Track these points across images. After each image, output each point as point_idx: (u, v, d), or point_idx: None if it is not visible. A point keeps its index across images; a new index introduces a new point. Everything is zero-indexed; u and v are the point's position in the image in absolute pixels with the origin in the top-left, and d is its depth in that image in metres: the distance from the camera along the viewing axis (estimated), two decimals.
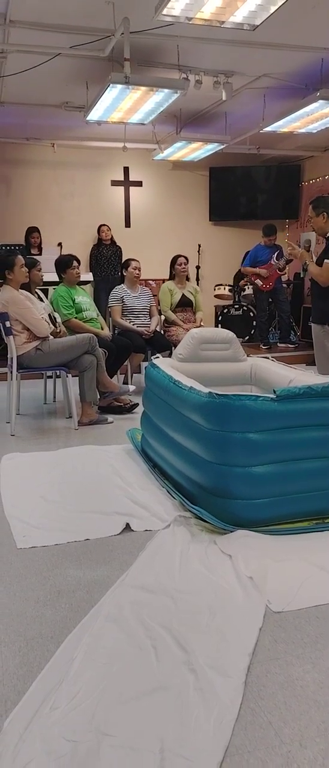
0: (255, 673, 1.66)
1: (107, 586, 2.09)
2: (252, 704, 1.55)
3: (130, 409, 4.71)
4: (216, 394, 2.51)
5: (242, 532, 2.40)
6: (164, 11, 3.38)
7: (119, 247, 7.94)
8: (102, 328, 4.99)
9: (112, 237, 7.92)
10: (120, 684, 1.61)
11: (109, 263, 7.84)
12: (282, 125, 5.80)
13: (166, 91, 4.64)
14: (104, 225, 7.92)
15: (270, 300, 7.48)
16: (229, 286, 8.17)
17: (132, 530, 2.56)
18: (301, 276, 6.78)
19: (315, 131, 6.03)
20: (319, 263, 4.14)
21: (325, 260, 4.05)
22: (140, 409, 3.86)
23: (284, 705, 1.54)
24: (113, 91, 4.59)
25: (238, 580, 2.10)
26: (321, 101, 5.01)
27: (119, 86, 4.45)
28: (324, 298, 4.12)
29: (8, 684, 1.64)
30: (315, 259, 4.36)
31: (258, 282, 7.34)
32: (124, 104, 4.96)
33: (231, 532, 2.42)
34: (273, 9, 3.38)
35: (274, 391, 2.50)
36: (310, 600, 1.99)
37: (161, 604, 1.97)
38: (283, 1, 3.29)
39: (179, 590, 2.05)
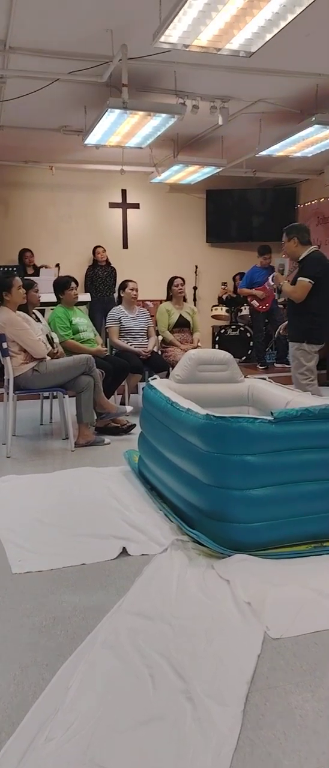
0: (254, 702, 1.63)
1: (104, 612, 2.07)
2: (250, 734, 1.52)
3: (127, 430, 4.70)
4: (214, 416, 2.51)
5: (240, 556, 2.38)
6: (162, 38, 3.43)
7: (114, 269, 8.00)
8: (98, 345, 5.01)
9: (107, 258, 7.99)
10: (116, 713, 1.58)
11: (104, 284, 7.89)
12: (278, 149, 5.88)
13: (163, 115, 4.70)
14: (99, 246, 7.99)
15: (267, 320, 7.53)
16: (226, 306, 8.22)
17: (129, 554, 2.53)
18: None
19: (310, 155, 6.12)
20: (293, 283, 4.30)
21: (299, 278, 4.22)
22: (137, 430, 3.85)
23: (283, 735, 1.51)
24: (111, 116, 4.65)
25: (236, 605, 2.07)
26: (316, 126, 5.09)
27: (117, 111, 4.50)
28: (299, 316, 4.26)
29: (2, 714, 1.60)
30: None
31: (255, 303, 7.39)
32: (122, 128, 5.01)
33: (229, 556, 2.39)
34: (268, 37, 3.44)
35: (272, 413, 2.50)
36: (309, 626, 1.96)
37: (158, 630, 1.95)
38: (278, 30, 3.35)
39: (176, 616, 2.02)
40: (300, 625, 1.97)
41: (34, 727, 1.54)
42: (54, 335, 4.74)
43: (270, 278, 7.27)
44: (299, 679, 1.73)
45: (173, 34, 3.38)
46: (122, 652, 1.83)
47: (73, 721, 1.54)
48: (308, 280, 4.16)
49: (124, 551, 2.55)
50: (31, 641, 1.94)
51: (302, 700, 1.64)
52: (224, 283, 8.48)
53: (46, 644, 1.92)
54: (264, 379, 3.73)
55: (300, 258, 4.28)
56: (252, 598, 2.09)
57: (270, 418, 2.48)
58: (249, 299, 7.50)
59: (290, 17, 3.20)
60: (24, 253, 7.64)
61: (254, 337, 7.67)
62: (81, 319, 5.04)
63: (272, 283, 7.26)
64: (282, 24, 3.28)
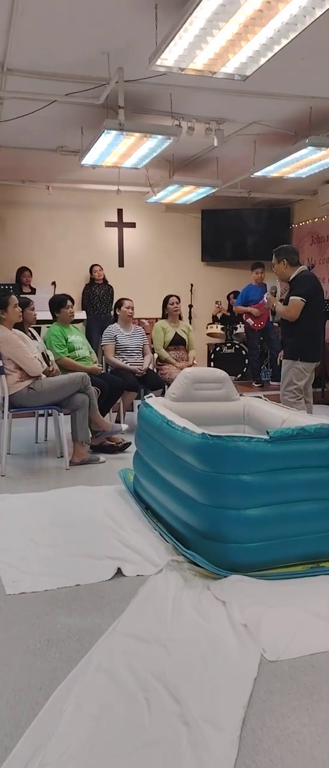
0: (250, 726, 1.61)
1: (98, 635, 2.04)
2: (247, 760, 1.49)
3: (122, 448, 4.68)
4: (209, 435, 2.50)
5: (236, 577, 2.36)
6: (158, 62, 3.47)
7: (111, 287, 8.05)
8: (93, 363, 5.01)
9: (104, 276, 8.04)
10: (111, 738, 1.56)
11: (101, 302, 7.93)
12: (272, 170, 5.94)
13: (159, 137, 4.74)
14: (97, 265, 8.03)
15: (262, 338, 7.56)
16: (221, 324, 8.26)
17: (124, 575, 2.51)
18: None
19: (304, 176, 6.18)
20: (286, 303, 4.37)
21: (291, 297, 4.29)
22: (132, 448, 3.84)
23: (280, 761, 1.49)
24: (107, 137, 4.68)
25: (232, 627, 2.05)
26: (310, 147, 5.15)
27: (114, 132, 4.54)
28: (292, 335, 4.33)
29: None
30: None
31: (250, 321, 7.42)
32: (118, 149, 5.05)
33: (225, 577, 2.38)
34: (263, 61, 3.49)
35: (267, 432, 2.49)
36: (305, 648, 1.95)
37: (153, 653, 1.92)
38: (273, 54, 3.40)
39: (171, 639, 2.00)
40: (297, 647, 1.95)
41: (28, 752, 1.51)
42: (49, 353, 4.74)
43: (265, 297, 7.33)
44: (296, 703, 1.71)
45: (169, 57, 3.43)
46: (117, 675, 1.81)
47: (67, 747, 1.52)
48: (300, 298, 4.22)
49: (119, 572, 2.53)
50: (24, 664, 1.91)
51: (299, 725, 1.62)
52: (217, 302, 8.53)
53: (40, 667, 1.89)
54: (260, 397, 3.74)
55: (290, 278, 4.35)
56: (248, 620, 2.08)
57: (265, 437, 2.48)
58: (244, 317, 7.54)
59: (284, 42, 3.25)
60: (22, 271, 7.68)
61: (249, 355, 7.69)
62: (77, 337, 5.04)
63: (267, 302, 7.33)
64: (277, 48, 3.33)
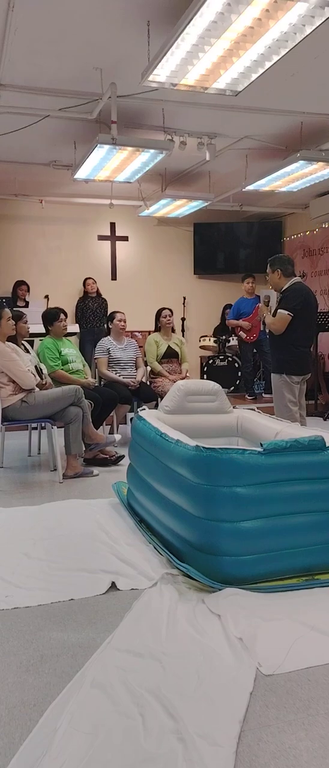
0: (246, 742, 1.60)
1: (92, 650, 2.02)
2: None
3: (116, 461, 4.67)
4: (203, 447, 2.50)
5: (230, 590, 2.35)
6: (150, 77, 3.50)
7: (105, 300, 8.05)
8: (86, 377, 5.00)
9: (97, 290, 8.05)
10: (106, 756, 1.53)
11: (94, 315, 7.93)
12: (264, 184, 6.00)
13: (152, 151, 4.78)
14: (90, 278, 8.04)
15: (255, 351, 7.59)
16: (214, 337, 8.28)
17: (118, 589, 2.49)
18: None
19: (295, 190, 6.25)
20: (274, 315, 4.35)
21: (278, 310, 4.26)
22: (125, 461, 3.83)
23: None
24: (100, 151, 4.71)
25: (227, 641, 2.04)
26: (301, 162, 5.21)
27: (107, 146, 4.57)
28: (280, 348, 4.29)
29: None
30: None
31: (242, 334, 7.45)
32: (111, 163, 5.08)
33: (220, 590, 2.37)
34: (254, 77, 3.53)
35: (261, 445, 2.50)
36: (301, 662, 1.94)
37: (148, 668, 1.91)
38: (264, 70, 3.45)
39: (166, 653, 1.99)
40: (293, 661, 1.94)
41: None
42: (43, 366, 4.73)
43: (258, 305, 7.37)
44: (292, 717, 1.70)
45: (162, 73, 3.46)
46: (111, 690, 1.79)
47: (61, 764, 1.50)
48: (287, 312, 4.18)
49: (113, 586, 2.51)
50: (17, 680, 1.89)
51: (296, 740, 1.61)
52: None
53: (33, 683, 1.87)
54: (253, 409, 3.74)
55: (282, 289, 4.32)
56: (244, 634, 2.07)
57: (259, 449, 2.48)
58: (236, 330, 7.57)
59: (275, 58, 3.30)
60: (20, 285, 7.68)
61: (242, 367, 7.71)
62: (70, 350, 5.04)
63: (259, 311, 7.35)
64: (268, 64, 3.37)
